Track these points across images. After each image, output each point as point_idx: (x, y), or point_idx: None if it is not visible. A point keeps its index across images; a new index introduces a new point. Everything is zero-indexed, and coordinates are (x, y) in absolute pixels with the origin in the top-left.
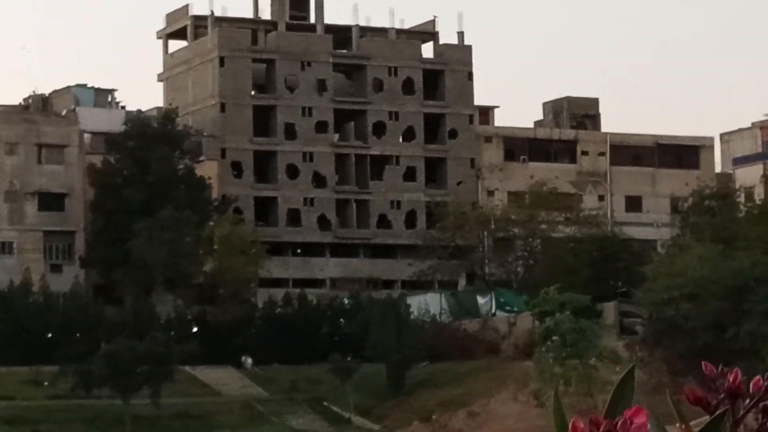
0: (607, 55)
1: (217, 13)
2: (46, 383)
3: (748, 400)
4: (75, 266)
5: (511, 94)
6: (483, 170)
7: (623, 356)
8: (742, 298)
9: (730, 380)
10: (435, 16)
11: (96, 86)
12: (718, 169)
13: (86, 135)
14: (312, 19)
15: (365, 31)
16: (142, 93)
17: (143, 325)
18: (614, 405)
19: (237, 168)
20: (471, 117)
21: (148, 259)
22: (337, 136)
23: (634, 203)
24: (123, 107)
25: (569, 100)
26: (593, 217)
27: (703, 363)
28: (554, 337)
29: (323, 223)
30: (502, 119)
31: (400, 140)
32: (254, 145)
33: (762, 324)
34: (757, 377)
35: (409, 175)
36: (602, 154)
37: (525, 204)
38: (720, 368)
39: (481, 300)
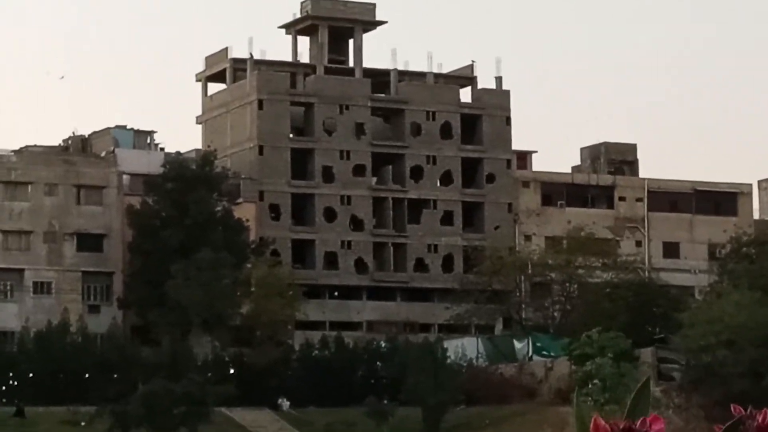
0: (646, 101)
1: (256, 57)
2: (83, 423)
3: None
4: (113, 307)
5: (549, 139)
6: (520, 215)
7: (661, 402)
8: None
9: (760, 420)
10: (473, 61)
11: (135, 128)
12: (756, 215)
13: (125, 176)
14: (350, 63)
15: (403, 75)
16: (181, 135)
17: (180, 366)
18: (632, 410)
19: (275, 210)
20: (509, 162)
21: (184, 300)
22: (374, 179)
23: (671, 249)
24: (162, 149)
25: (607, 146)
26: (630, 262)
27: (732, 405)
28: (595, 381)
29: (360, 266)
30: (539, 164)
31: (438, 184)
32: (292, 187)
33: None
34: None
35: (447, 219)
36: (640, 199)
37: (562, 249)
38: (749, 409)
39: (517, 344)
